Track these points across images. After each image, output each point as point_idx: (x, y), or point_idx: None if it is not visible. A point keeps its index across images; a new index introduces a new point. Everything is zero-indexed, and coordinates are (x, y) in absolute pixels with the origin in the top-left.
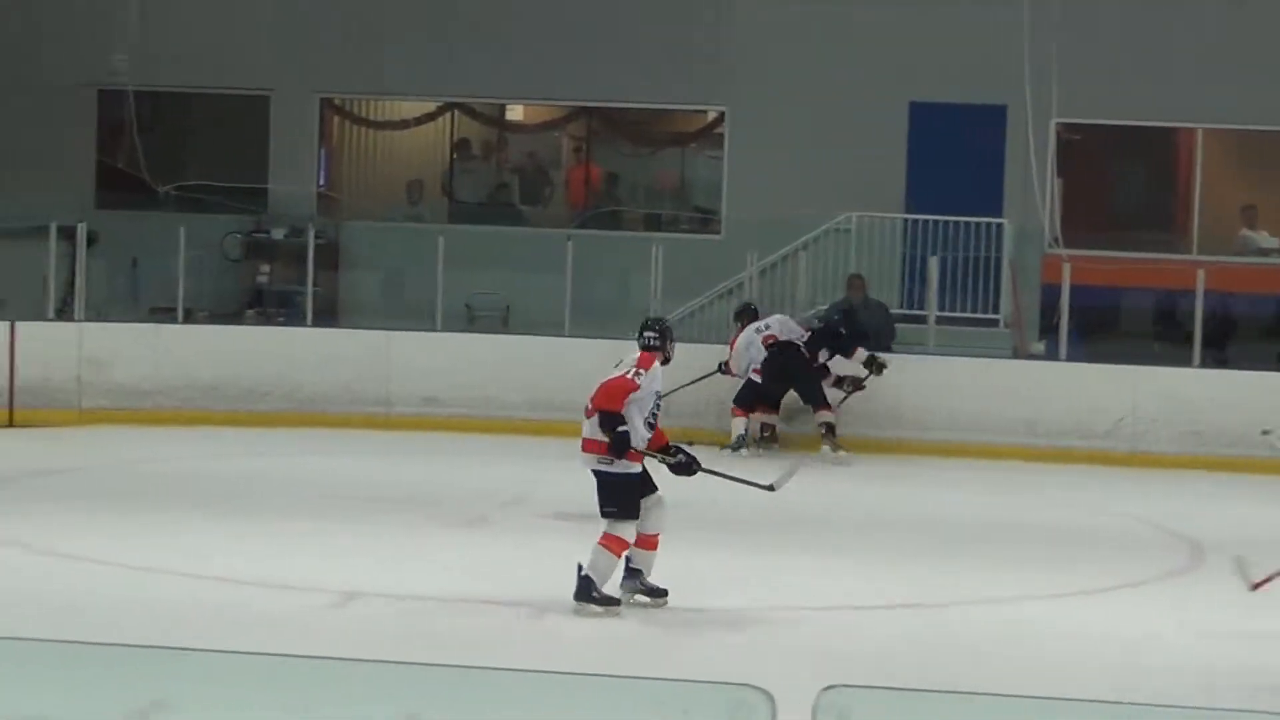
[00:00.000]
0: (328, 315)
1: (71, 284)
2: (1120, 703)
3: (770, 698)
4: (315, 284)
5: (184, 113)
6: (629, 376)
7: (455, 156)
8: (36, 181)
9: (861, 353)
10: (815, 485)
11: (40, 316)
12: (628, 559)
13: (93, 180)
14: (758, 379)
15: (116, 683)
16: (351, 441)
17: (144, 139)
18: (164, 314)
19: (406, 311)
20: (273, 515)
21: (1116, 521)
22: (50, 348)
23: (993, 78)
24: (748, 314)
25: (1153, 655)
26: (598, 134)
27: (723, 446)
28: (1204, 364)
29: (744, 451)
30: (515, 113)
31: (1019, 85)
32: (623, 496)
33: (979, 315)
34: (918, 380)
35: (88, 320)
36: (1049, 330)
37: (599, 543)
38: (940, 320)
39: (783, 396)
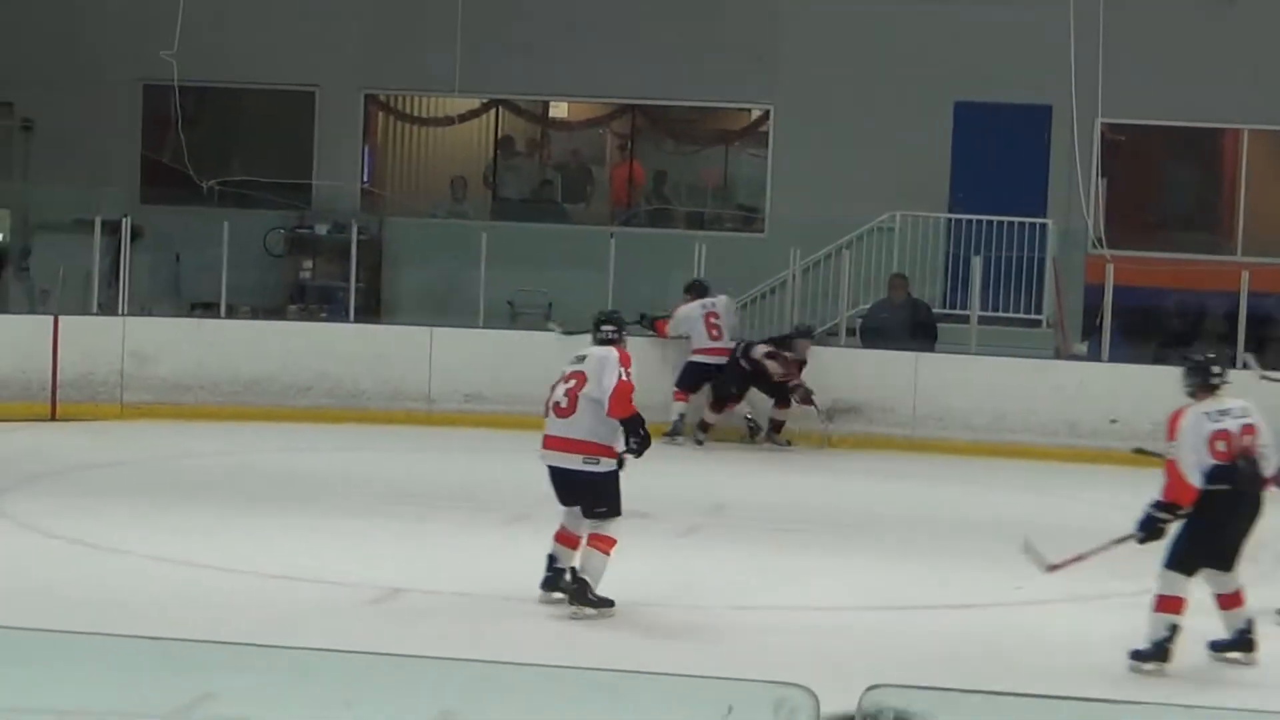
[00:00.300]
0: (370, 311)
1: (115, 278)
2: (1171, 705)
3: (814, 696)
4: (358, 280)
5: (229, 108)
6: (626, 379)
7: (499, 153)
8: (82, 176)
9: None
10: (860, 484)
11: (84, 311)
12: (551, 559)
13: (137, 175)
14: (699, 359)
15: (161, 677)
16: (393, 438)
17: (189, 134)
18: (206, 309)
19: (449, 308)
20: (314, 511)
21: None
22: (93, 342)
23: (1038, 78)
24: (696, 289)
25: (1196, 658)
26: (641, 131)
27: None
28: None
29: (680, 439)
30: (559, 110)
31: (1064, 85)
32: (612, 495)
33: (1022, 315)
34: (960, 380)
35: (131, 315)
36: (1092, 331)
37: (589, 545)
38: (983, 320)
39: (744, 393)
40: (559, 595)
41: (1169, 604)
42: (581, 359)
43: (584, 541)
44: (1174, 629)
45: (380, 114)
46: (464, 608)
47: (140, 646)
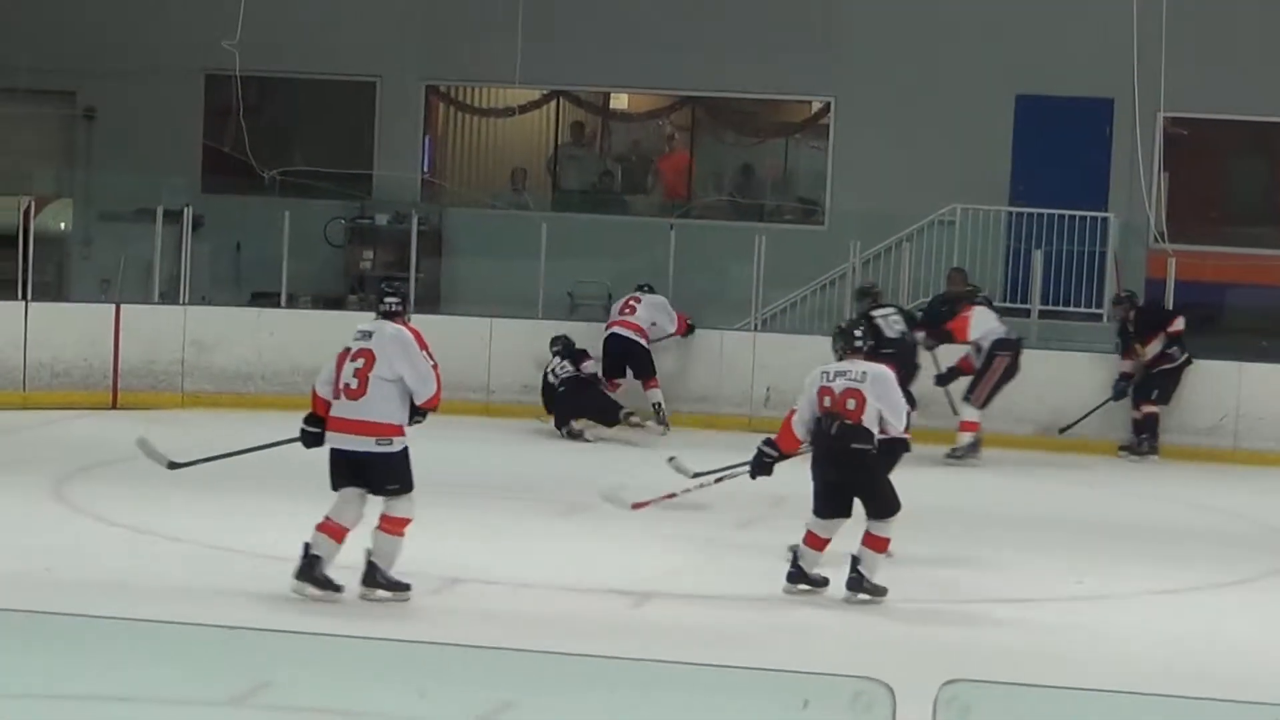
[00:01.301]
0: (430, 302)
1: (177, 267)
2: (1237, 701)
3: (890, 690)
4: (418, 270)
5: (290, 99)
6: (434, 361)
7: (564, 142)
8: (144, 165)
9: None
10: (921, 477)
11: (145, 299)
12: (307, 547)
13: (199, 165)
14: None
15: (223, 663)
16: (451, 427)
17: (250, 124)
18: (267, 298)
19: (508, 299)
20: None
21: (1219, 519)
22: (155, 331)
23: (1100, 71)
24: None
25: (1258, 655)
26: (701, 123)
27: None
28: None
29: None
30: (620, 101)
31: (1126, 78)
32: (405, 471)
33: (1083, 310)
34: (1021, 374)
35: (192, 304)
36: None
37: (381, 528)
38: (1043, 314)
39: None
40: (310, 587)
41: (808, 537)
42: (368, 335)
43: (376, 525)
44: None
45: (441, 105)
46: (523, 598)
47: (203, 634)
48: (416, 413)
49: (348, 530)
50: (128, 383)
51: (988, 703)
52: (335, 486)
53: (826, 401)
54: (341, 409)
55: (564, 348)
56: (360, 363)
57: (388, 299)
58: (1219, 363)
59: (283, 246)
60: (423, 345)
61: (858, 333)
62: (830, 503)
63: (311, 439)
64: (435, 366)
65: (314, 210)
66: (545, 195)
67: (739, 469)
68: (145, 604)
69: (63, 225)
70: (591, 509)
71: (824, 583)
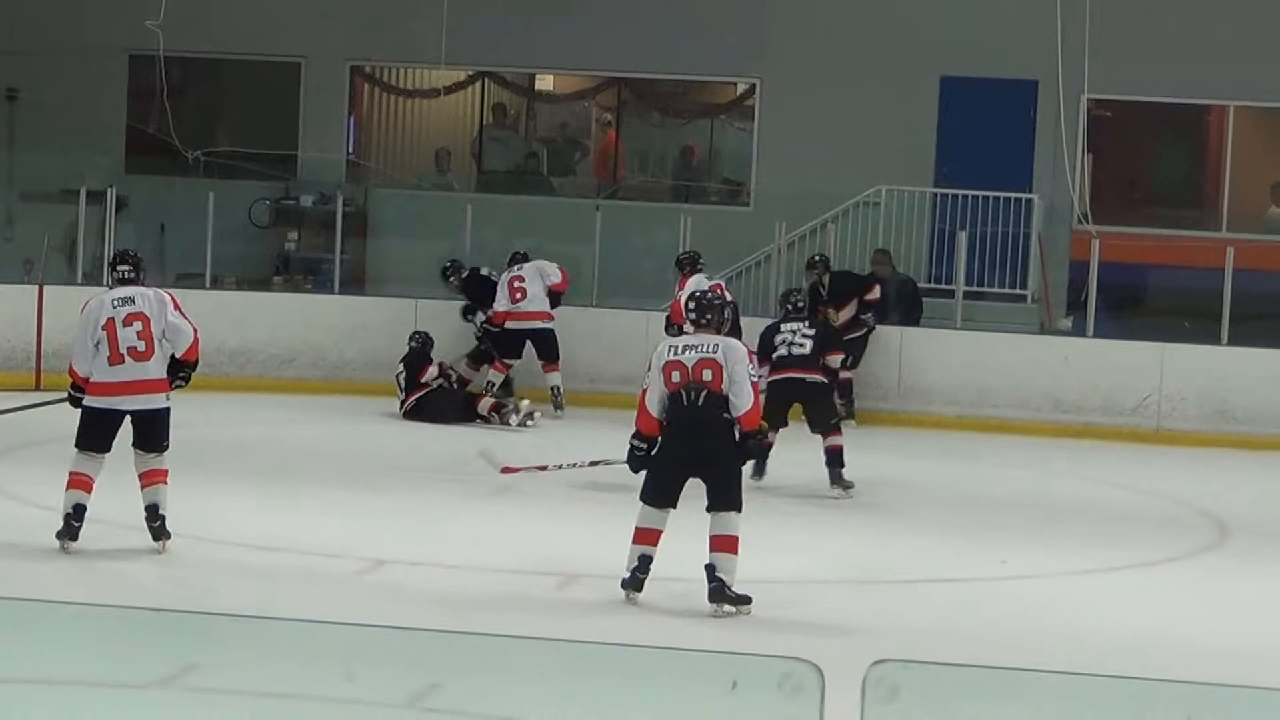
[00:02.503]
0: (355, 283)
1: (101, 248)
2: (1166, 680)
3: (819, 671)
4: (343, 251)
5: (215, 79)
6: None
7: (489, 123)
8: (67, 146)
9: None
10: (849, 460)
11: (69, 281)
12: (80, 506)
13: (123, 145)
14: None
15: (148, 646)
16: (377, 409)
17: (174, 104)
18: (191, 280)
19: (434, 279)
20: (299, 482)
21: (1144, 499)
22: (78, 312)
23: (1024, 53)
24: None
25: (1184, 632)
26: (628, 104)
27: None
28: (1232, 341)
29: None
30: (545, 82)
31: (1050, 61)
32: (168, 429)
33: (1007, 290)
34: (945, 355)
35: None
36: (1077, 306)
37: (159, 481)
38: (968, 295)
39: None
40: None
41: (639, 535)
42: (129, 300)
43: (148, 483)
44: (643, 559)
45: (366, 86)
46: (449, 579)
47: (128, 617)
48: (180, 370)
49: (95, 479)
50: (51, 364)
51: (916, 682)
52: (103, 447)
53: (675, 376)
54: (132, 371)
55: (411, 351)
56: (139, 325)
57: (120, 267)
58: (1142, 344)
59: (207, 228)
60: (178, 306)
61: (695, 307)
62: (668, 488)
63: (74, 400)
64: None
65: (238, 191)
66: (470, 176)
67: (617, 462)
68: (70, 587)
69: None
70: (518, 490)
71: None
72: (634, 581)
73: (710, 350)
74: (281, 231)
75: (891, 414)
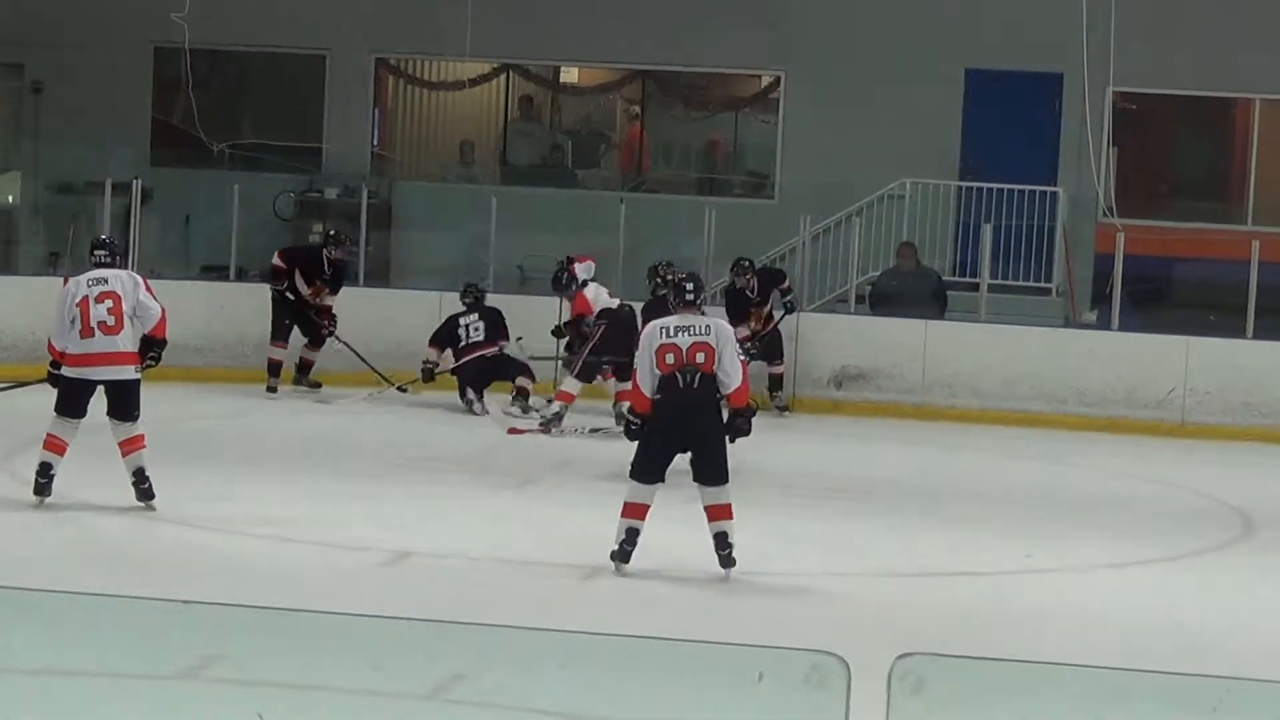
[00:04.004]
0: (380, 275)
1: (126, 240)
2: (1193, 674)
3: (845, 664)
4: (368, 244)
5: (239, 71)
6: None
7: (516, 115)
8: (92, 138)
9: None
10: (869, 451)
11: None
12: (48, 464)
13: (148, 138)
14: None
15: (171, 637)
16: (402, 402)
17: (199, 97)
18: (216, 272)
19: (458, 272)
20: (323, 474)
21: (1169, 492)
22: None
23: (1050, 46)
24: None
25: (1211, 626)
26: (652, 97)
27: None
28: (1257, 335)
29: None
30: (570, 75)
31: (1076, 53)
32: (139, 398)
33: (1031, 284)
34: (969, 348)
35: (142, 274)
36: (1101, 299)
37: (141, 446)
38: (993, 288)
39: None
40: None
41: (628, 509)
42: (103, 280)
43: (132, 448)
44: (631, 532)
45: (390, 78)
46: (474, 571)
47: (153, 608)
48: (150, 349)
49: (69, 444)
50: None
51: (941, 675)
52: (77, 413)
53: (670, 359)
54: (101, 344)
55: (476, 301)
56: (110, 303)
57: (98, 251)
58: (1167, 337)
59: (232, 220)
60: (149, 288)
61: (689, 287)
62: (658, 465)
63: (53, 378)
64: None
65: (263, 183)
66: (494, 169)
67: (615, 430)
68: (92, 577)
69: (10, 198)
70: (542, 483)
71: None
72: (622, 554)
73: (703, 332)
74: (306, 224)
75: (915, 407)
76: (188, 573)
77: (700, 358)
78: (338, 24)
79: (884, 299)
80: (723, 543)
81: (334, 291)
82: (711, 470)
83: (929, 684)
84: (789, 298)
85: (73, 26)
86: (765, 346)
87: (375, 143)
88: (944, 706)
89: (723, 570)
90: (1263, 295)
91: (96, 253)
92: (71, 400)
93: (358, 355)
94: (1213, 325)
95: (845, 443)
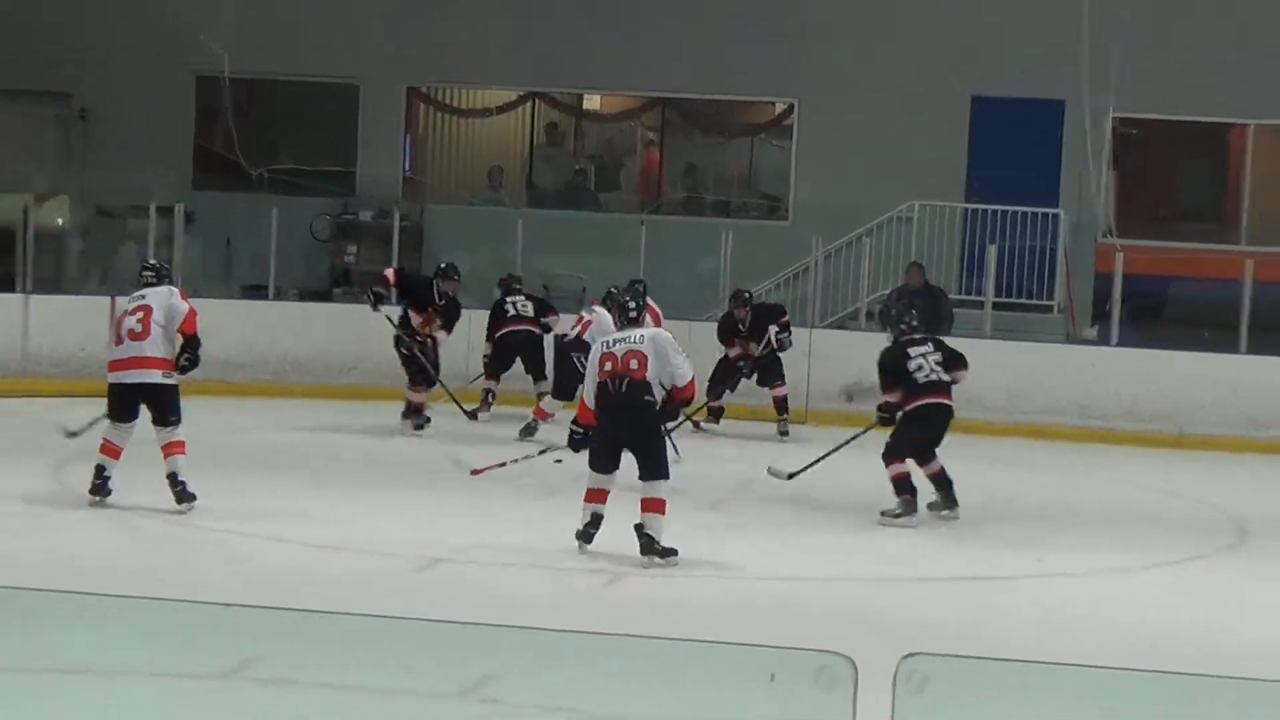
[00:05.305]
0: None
1: (169, 261)
2: (1189, 674)
3: (853, 664)
4: (399, 265)
5: (277, 100)
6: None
7: (542, 141)
8: (137, 163)
9: None
10: (880, 464)
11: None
12: (102, 467)
13: (190, 163)
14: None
15: (209, 640)
16: (433, 414)
17: (239, 124)
18: (255, 291)
19: (487, 292)
20: (359, 483)
21: (1170, 501)
22: None
23: (1052, 72)
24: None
25: (1215, 628)
26: (671, 123)
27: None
28: (1250, 350)
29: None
30: (592, 102)
31: (1077, 81)
32: (179, 404)
33: (1034, 302)
34: (975, 363)
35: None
36: (1101, 316)
37: (179, 452)
38: (997, 305)
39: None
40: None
41: (589, 495)
42: (141, 297)
43: (170, 452)
44: (595, 516)
45: (422, 105)
46: (502, 576)
47: (194, 611)
48: (186, 351)
49: (124, 448)
50: None
51: (946, 675)
52: (123, 417)
53: (608, 366)
54: (128, 350)
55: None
56: (140, 314)
57: (144, 272)
58: (1164, 352)
59: (271, 242)
60: (184, 296)
61: (631, 304)
62: (607, 458)
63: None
64: (193, 309)
65: (300, 207)
66: (521, 193)
67: (560, 447)
68: (135, 581)
69: (60, 221)
70: (564, 494)
71: (673, 553)
72: (585, 535)
73: (638, 341)
74: (341, 245)
75: None
76: (229, 577)
77: (634, 364)
78: (371, 55)
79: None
80: (640, 533)
81: (447, 327)
82: (650, 468)
83: (933, 683)
84: (782, 335)
85: (118, 57)
86: (763, 369)
87: (407, 168)
88: (948, 705)
89: (640, 556)
90: (1256, 312)
91: (144, 273)
92: (115, 406)
93: (445, 389)
94: (1207, 341)
95: (855, 454)
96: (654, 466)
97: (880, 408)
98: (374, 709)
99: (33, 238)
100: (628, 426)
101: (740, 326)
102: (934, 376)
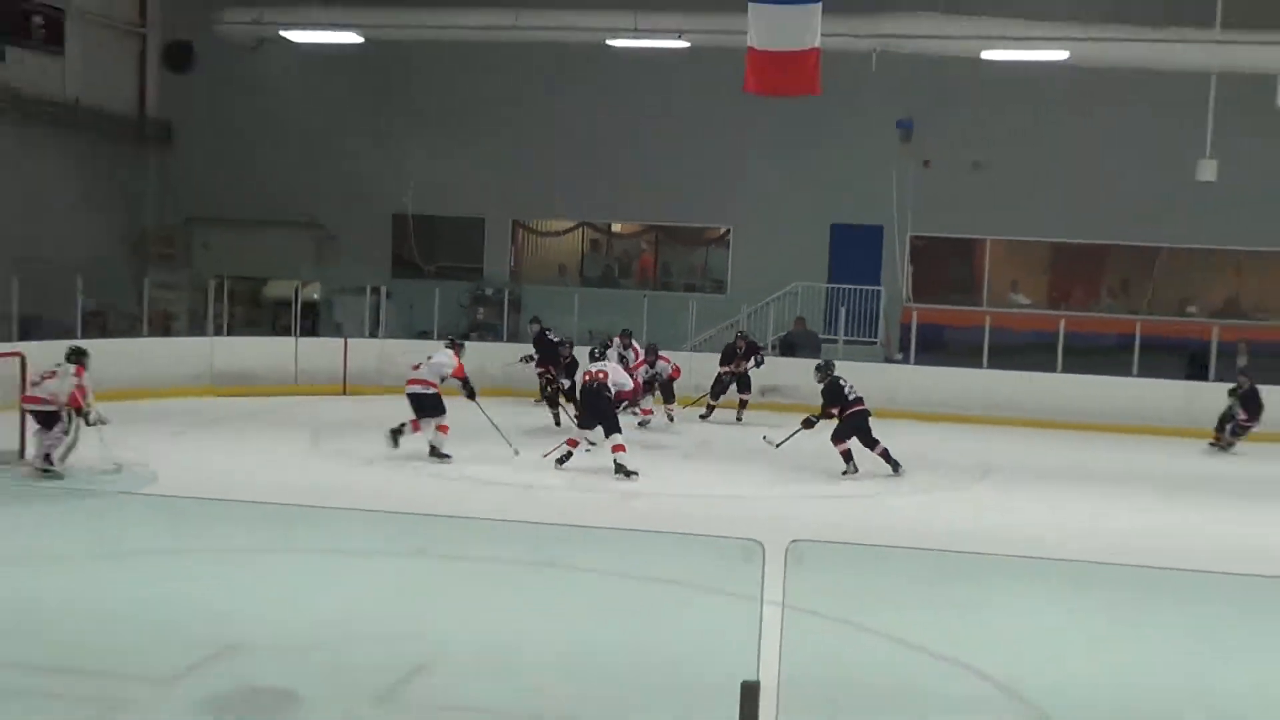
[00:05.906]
0: (515, 338)
1: (378, 318)
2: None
3: (761, 546)
4: (508, 320)
5: (438, 225)
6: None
7: (588, 250)
8: (359, 263)
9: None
10: (781, 431)
11: (361, 335)
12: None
13: (389, 262)
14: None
15: (400, 532)
16: (532, 406)
17: (418, 239)
18: (425, 336)
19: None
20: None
21: (934, 450)
22: (365, 352)
23: (877, 209)
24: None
25: (975, 526)
26: (660, 238)
27: None
28: (990, 368)
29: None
30: (616, 227)
31: (890, 213)
32: (433, 407)
33: (866, 339)
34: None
35: (385, 338)
36: (904, 347)
37: (441, 431)
38: (846, 341)
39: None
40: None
41: (569, 441)
42: (430, 356)
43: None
44: (567, 452)
45: (520, 229)
46: (568, 496)
47: (383, 516)
48: (463, 385)
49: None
50: (351, 380)
51: (818, 554)
52: (414, 413)
53: (586, 376)
54: (410, 375)
55: (602, 349)
56: (422, 361)
57: (441, 340)
58: (940, 368)
59: (434, 307)
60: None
61: (596, 352)
62: (588, 424)
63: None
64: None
65: (452, 287)
66: (576, 279)
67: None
68: (371, 500)
69: (315, 295)
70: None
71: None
72: (559, 462)
73: (603, 365)
74: (475, 309)
75: (803, 407)
76: (418, 494)
77: (601, 376)
78: (491, 199)
79: (788, 347)
80: (617, 465)
81: (570, 377)
82: (607, 427)
83: (808, 559)
84: (758, 357)
85: (350, 201)
86: (739, 381)
87: (512, 264)
88: (819, 575)
89: (614, 474)
90: (993, 346)
91: (445, 346)
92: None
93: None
94: (965, 362)
95: (767, 426)
96: (609, 427)
97: (805, 420)
98: (479, 570)
99: (300, 306)
100: (593, 406)
101: (738, 351)
102: (856, 394)
